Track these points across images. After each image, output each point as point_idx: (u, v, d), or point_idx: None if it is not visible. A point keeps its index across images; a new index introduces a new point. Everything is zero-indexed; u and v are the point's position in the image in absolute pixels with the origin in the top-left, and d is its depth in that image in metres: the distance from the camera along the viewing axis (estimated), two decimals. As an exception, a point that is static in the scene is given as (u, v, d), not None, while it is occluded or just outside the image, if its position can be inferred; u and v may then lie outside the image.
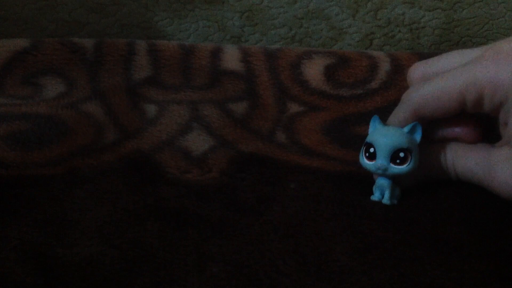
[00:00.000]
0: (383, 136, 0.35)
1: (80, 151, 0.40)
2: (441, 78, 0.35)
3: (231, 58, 0.48)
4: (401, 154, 0.34)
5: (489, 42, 0.55)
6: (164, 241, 0.32)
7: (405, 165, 0.35)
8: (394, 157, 0.34)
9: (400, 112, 0.37)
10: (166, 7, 0.53)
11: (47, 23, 0.53)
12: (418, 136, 0.35)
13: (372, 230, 0.33)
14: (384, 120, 0.37)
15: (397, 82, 0.46)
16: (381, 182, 0.35)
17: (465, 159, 0.35)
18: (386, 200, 0.35)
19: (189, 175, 0.39)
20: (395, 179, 0.35)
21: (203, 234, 0.33)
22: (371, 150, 0.35)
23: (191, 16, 0.54)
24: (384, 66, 0.48)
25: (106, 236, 0.32)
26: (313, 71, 0.47)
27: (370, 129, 0.36)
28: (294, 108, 0.45)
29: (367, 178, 0.37)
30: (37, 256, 0.31)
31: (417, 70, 0.38)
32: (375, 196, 0.36)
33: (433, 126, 0.37)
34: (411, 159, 0.35)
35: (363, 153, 0.35)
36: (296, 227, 0.34)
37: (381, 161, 0.35)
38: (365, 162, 0.35)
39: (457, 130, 0.37)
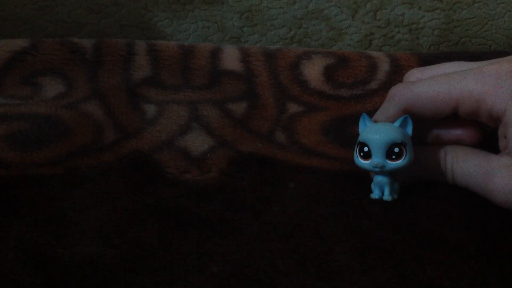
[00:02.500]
0: (375, 133, 0.35)
1: (80, 151, 0.40)
2: (436, 80, 0.35)
3: (231, 58, 0.48)
4: (396, 149, 0.34)
5: (489, 42, 0.55)
6: (164, 241, 0.32)
7: (401, 160, 0.34)
8: (389, 153, 0.34)
9: (389, 109, 0.36)
10: (166, 8, 0.53)
11: (47, 23, 0.53)
12: (409, 129, 0.35)
13: (372, 230, 0.33)
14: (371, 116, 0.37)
15: (396, 82, 0.46)
16: (379, 179, 0.35)
17: (465, 162, 0.35)
18: (386, 197, 0.35)
19: (188, 175, 0.39)
20: (392, 175, 0.35)
21: (203, 234, 0.33)
22: (365, 149, 0.35)
23: (190, 17, 0.54)
24: (384, 66, 0.48)
25: (106, 236, 0.32)
26: (313, 71, 0.47)
27: (360, 128, 0.36)
28: (293, 108, 0.45)
29: (367, 177, 0.37)
30: (37, 256, 0.31)
31: (412, 76, 0.38)
32: (375, 194, 0.36)
33: (433, 128, 0.37)
34: (406, 153, 0.34)
35: (357, 152, 0.35)
36: (296, 227, 0.34)
37: (377, 159, 0.34)
38: (361, 161, 0.35)
39: (458, 132, 0.37)
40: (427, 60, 0.48)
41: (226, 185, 0.38)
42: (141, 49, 0.48)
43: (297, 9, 0.54)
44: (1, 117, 0.42)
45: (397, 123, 0.35)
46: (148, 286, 0.29)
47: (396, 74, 0.47)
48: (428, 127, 0.38)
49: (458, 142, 0.37)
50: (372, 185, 0.36)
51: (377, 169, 0.35)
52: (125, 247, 0.32)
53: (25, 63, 0.46)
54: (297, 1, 0.53)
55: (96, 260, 0.31)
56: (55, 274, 0.30)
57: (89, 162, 0.39)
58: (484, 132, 0.37)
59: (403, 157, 0.34)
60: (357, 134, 0.36)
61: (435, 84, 0.35)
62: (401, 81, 0.41)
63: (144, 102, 0.45)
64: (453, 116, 0.36)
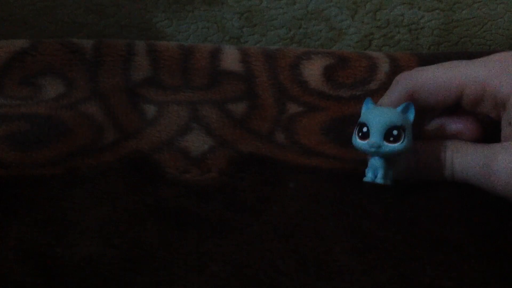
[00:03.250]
0: (376, 114, 0.35)
1: (80, 151, 0.40)
2: (442, 66, 0.36)
3: (231, 59, 0.48)
4: (395, 132, 0.34)
5: (488, 42, 0.55)
6: (164, 241, 0.32)
7: (398, 143, 0.34)
8: (387, 135, 0.34)
9: (394, 93, 0.37)
10: (166, 8, 0.53)
11: (47, 24, 0.53)
12: (411, 116, 0.35)
13: (372, 230, 0.33)
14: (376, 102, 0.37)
15: (396, 82, 0.46)
16: (374, 162, 0.35)
17: (465, 154, 0.35)
18: (379, 179, 0.35)
19: (188, 175, 0.39)
20: (388, 160, 0.35)
21: (203, 234, 0.33)
22: (364, 129, 0.35)
23: (190, 17, 0.54)
24: (383, 66, 0.48)
25: (106, 236, 0.32)
26: (312, 71, 0.47)
27: (363, 110, 0.36)
28: (293, 108, 0.45)
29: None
30: (37, 256, 0.31)
31: None
32: (368, 177, 0.35)
33: (434, 122, 0.37)
34: (404, 137, 0.34)
35: (356, 133, 0.35)
36: (296, 227, 0.34)
37: (374, 139, 0.34)
38: (358, 142, 0.35)
39: (459, 126, 0.37)
40: (427, 60, 0.48)
41: (226, 185, 0.38)
42: (141, 50, 0.48)
43: (297, 9, 0.54)
44: (1, 117, 0.42)
45: (399, 109, 0.35)
46: (148, 286, 0.29)
47: (396, 75, 0.47)
48: (429, 121, 0.38)
49: (458, 137, 0.37)
50: (367, 169, 0.36)
51: (373, 149, 0.34)
52: (125, 247, 0.32)
53: (25, 64, 0.46)
54: (297, 2, 0.53)
55: (96, 260, 0.31)
56: (55, 274, 0.30)
57: (89, 162, 0.39)
58: (484, 128, 0.37)
59: (401, 141, 0.34)
60: (357, 135, 0.36)
61: (441, 69, 0.36)
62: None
63: (144, 102, 0.45)
64: (454, 110, 0.36)
